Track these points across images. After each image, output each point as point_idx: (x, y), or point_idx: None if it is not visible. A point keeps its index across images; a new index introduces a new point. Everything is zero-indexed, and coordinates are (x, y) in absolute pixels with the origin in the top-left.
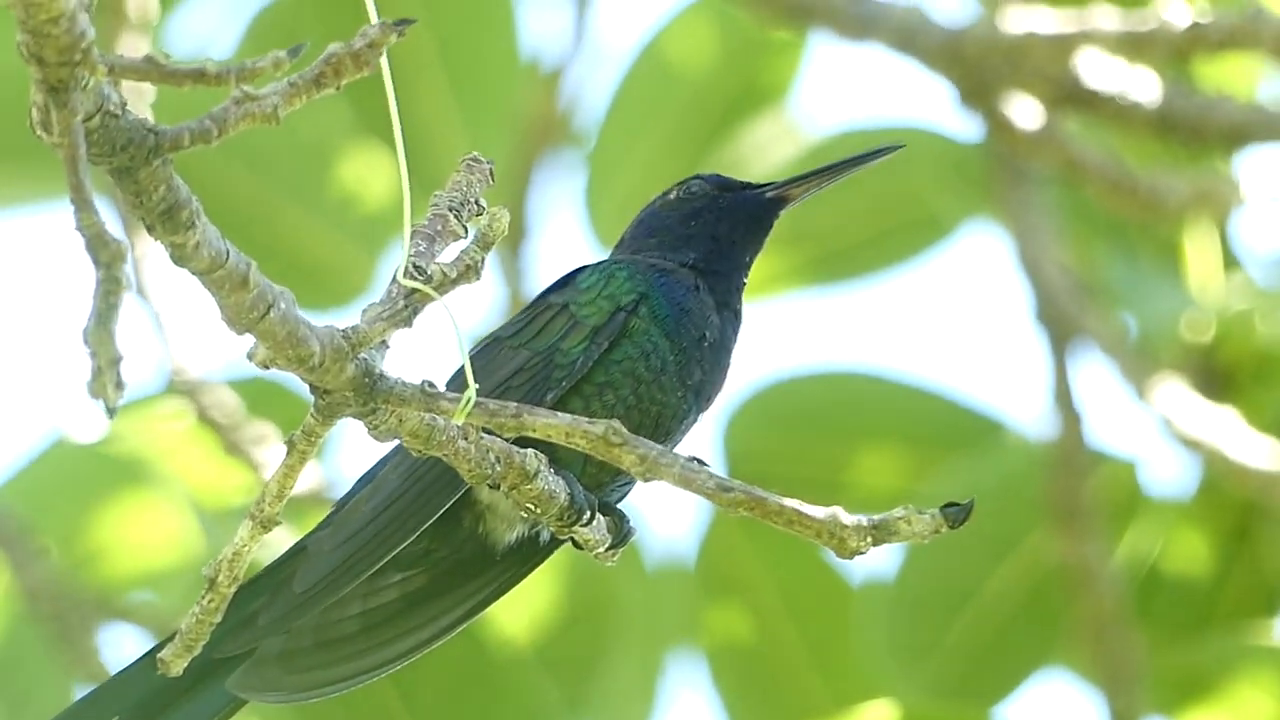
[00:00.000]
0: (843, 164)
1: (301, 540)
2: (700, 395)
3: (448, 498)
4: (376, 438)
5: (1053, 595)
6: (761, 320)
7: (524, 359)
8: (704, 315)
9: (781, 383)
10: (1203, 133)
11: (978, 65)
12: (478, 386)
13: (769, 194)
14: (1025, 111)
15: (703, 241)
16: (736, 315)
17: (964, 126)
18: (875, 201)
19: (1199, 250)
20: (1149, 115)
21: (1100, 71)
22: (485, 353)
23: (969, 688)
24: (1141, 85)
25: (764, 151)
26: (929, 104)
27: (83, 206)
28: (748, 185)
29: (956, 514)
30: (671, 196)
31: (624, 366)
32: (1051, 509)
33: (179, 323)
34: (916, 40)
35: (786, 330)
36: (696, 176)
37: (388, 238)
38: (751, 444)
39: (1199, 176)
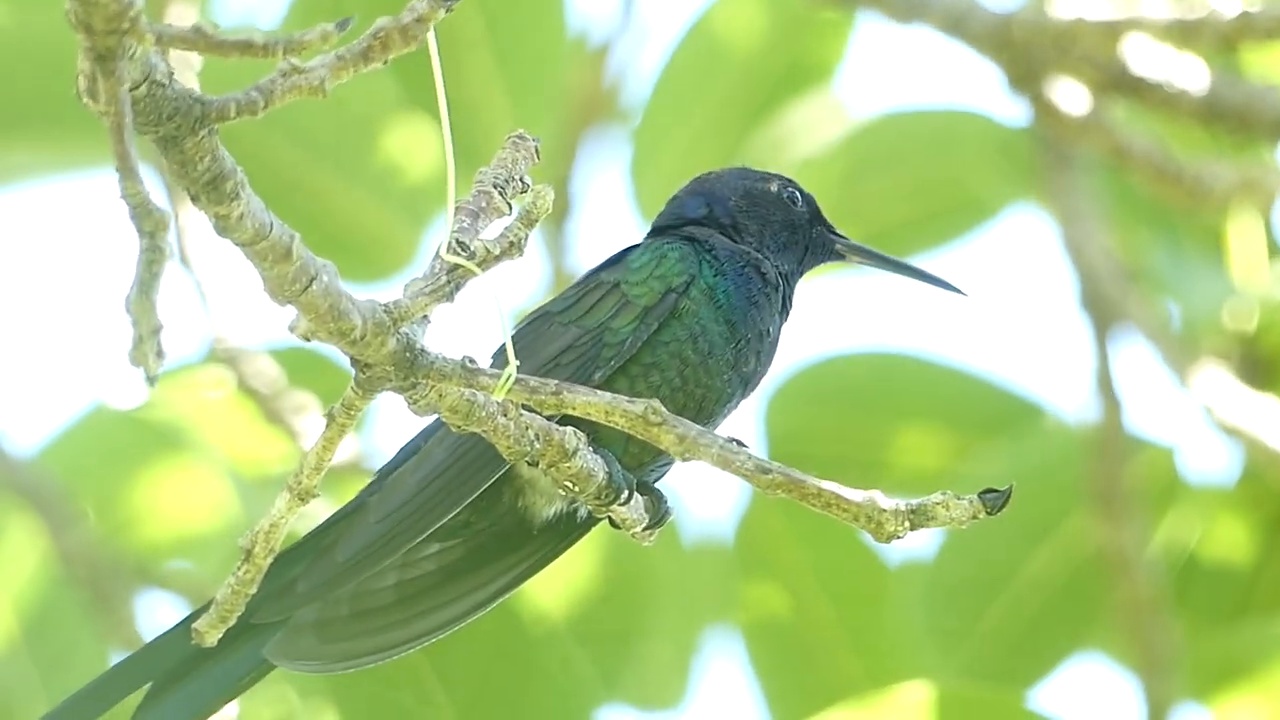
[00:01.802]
0: (904, 266)
1: (342, 509)
2: (748, 383)
3: (493, 473)
4: (416, 412)
5: (1090, 580)
6: (804, 299)
7: (573, 336)
8: (771, 314)
9: (823, 362)
10: (1249, 121)
11: (1025, 50)
12: (520, 363)
13: (838, 245)
14: (1072, 97)
15: (788, 257)
16: (788, 315)
17: (1011, 111)
18: (921, 183)
19: (1243, 238)
20: (1195, 103)
21: (1148, 58)
22: (533, 329)
23: (1005, 671)
24: (1189, 73)
25: (809, 132)
26: (976, 87)
27: (127, 175)
28: (827, 224)
29: (995, 500)
30: (773, 189)
31: (671, 348)
32: (1090, 494)
33: (221, 291)
34: (965, 24)
35: (829, 310)
36: (795, 186)
37: (432, 211)
38: (791, 423)
39: (1244, 165)
